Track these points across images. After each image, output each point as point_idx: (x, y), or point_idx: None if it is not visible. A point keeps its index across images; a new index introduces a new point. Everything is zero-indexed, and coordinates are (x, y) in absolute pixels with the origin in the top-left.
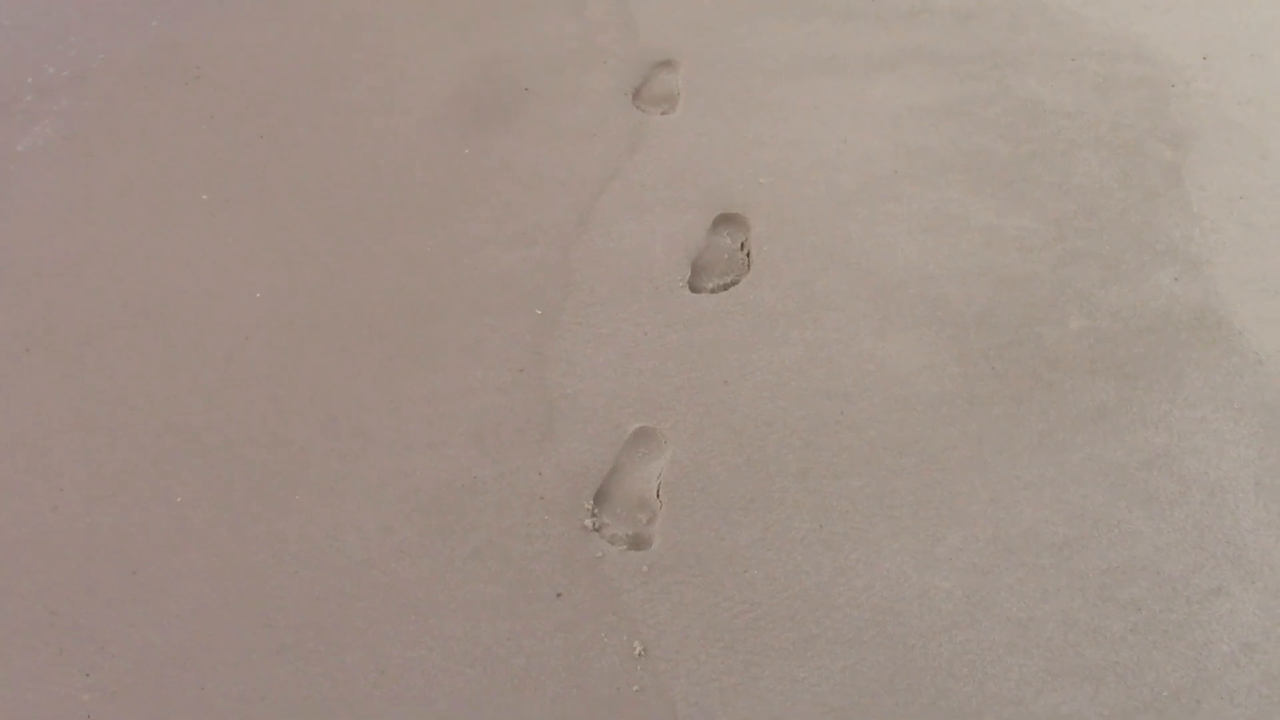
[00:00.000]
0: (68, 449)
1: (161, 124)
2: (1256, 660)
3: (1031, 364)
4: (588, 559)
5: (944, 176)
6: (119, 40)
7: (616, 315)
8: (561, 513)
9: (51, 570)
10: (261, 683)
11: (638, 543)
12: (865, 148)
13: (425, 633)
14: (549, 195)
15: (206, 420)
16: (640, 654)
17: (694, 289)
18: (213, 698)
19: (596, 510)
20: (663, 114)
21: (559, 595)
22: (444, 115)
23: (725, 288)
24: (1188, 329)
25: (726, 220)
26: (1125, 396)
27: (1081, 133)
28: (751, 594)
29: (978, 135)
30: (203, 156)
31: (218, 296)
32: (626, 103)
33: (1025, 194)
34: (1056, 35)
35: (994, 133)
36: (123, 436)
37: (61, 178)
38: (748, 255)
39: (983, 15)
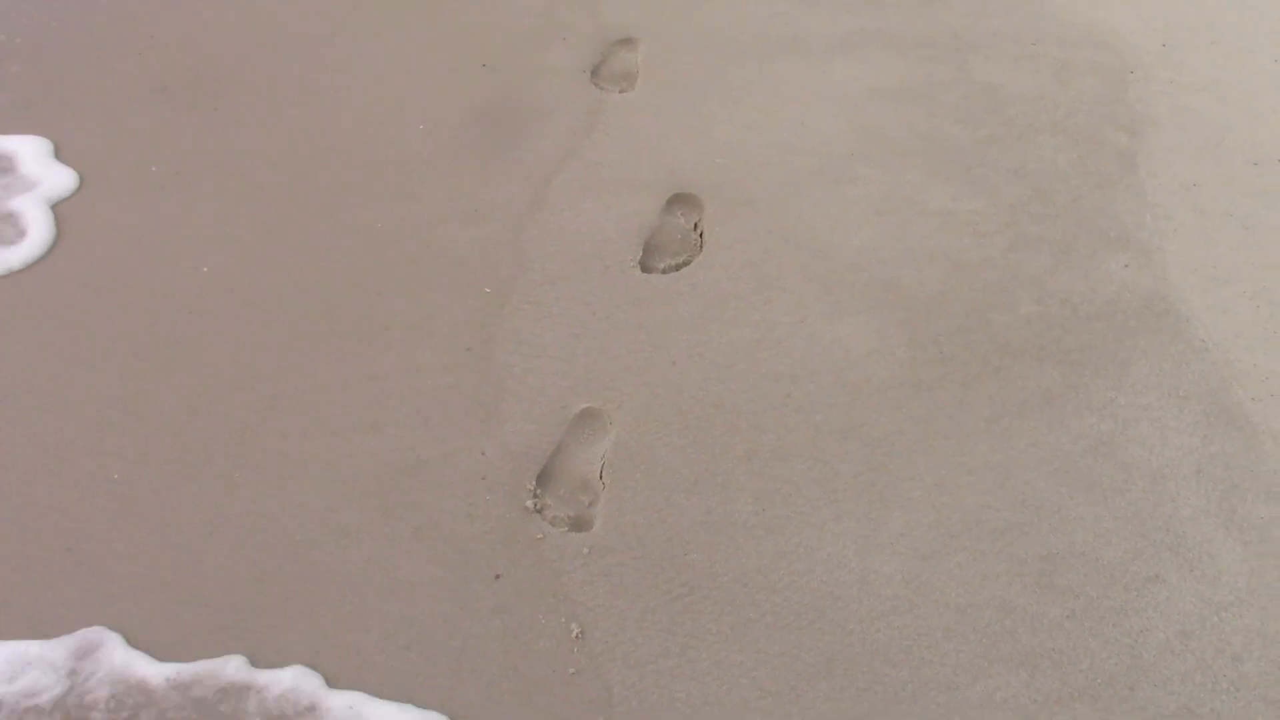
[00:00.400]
0: (4, 423)
1: (111, 94)
2: (1191, 648)
3: (980, 349)
4: (528, 540)
5: (901, 160)
6: (71, 8)
7: (567, 295)
8: (504, 494)
9: None
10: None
11: (579, 524)
12: (823, 130)
13: (363, 613)
14: (503, 173)
15: (147, 396)
16: (578, 636)
17: (645, 269)
18: None
19: (539, 491)
20: (621, 92)
21: (498, 577)
22: (399, 91)
23: (677, 268)
24: (1136, 316)
25: (680, 200)
26: (1072, 383)
27: (1039, 118)
28: (691, 577)
29: (936, 119)
30: (152, 128)
31: (163, 270)
32: (585, 81)
33: (981, 179)
34: (1017, 20)
35: (952, 117)
36: (61, 411)
37: None
38: (700, 236)
39: None
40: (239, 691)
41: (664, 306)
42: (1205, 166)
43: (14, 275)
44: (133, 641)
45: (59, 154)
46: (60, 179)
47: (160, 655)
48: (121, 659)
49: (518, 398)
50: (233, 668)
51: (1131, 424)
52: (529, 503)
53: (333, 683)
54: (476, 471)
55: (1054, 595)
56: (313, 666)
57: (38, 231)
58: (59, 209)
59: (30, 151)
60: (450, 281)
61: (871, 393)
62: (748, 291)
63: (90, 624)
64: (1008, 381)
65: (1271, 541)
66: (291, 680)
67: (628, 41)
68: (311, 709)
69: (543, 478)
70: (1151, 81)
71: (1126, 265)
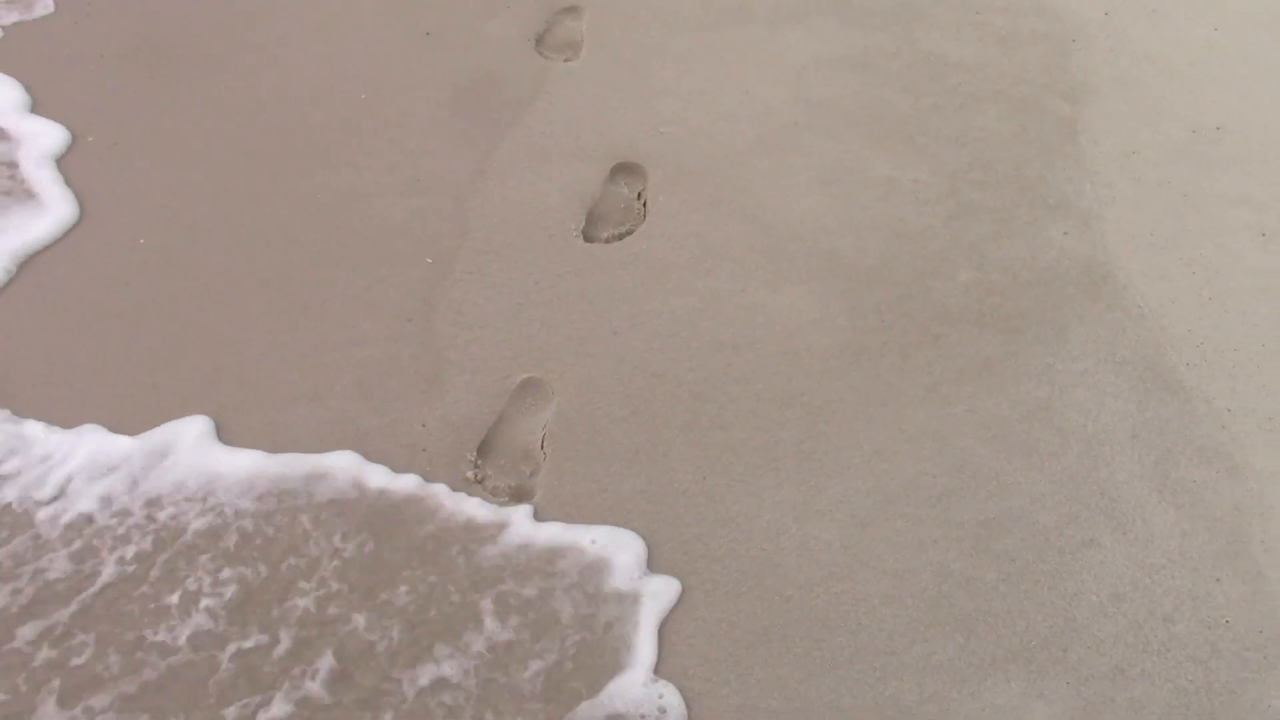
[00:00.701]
0: None
1: (48, 61)
2: (1124, 609)
3: (920, 317)
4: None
5: (844, 129)
6: None
7: (509, 265)
8: (444, 465)
9: None
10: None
11: (519, 494)
12: (767, 99)
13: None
14: (447, 142)
15: (81, 370)
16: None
17: (589, 239)
18: None
19: (479, 462)
20: (565, 61)
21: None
22: (341, 60)
23: (620, 237)
24: (1075, 283)
25: (624, 170)
26: (1010, 350)
27: (982, 87)
28: None
29: (880, 88)
30: (90, 96)
31: (100, 241)
32: (529, 49)
33: (924, 148)
34: None
35: (896, 86)
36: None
37: None
38: (644, 205)
39: None
40: None
41: (606, 276)
42: (1145, 134)
43: None
44: None
45: None
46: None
47: None
48: None
49: (459, 368)
50: None
51: (1069, 390)
52: (469, 473)
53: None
54: (416, 443)
55: (990, 560)
56: None
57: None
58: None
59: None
60: (392, 252)
61: (812, 361)
62: (690, 261)
63: None
64: (947, 349)
65: (1203, 505)
66: None
67: (572, 10)
68: None
69: (484, 448)
70: (1093, 50)
71: (1066, 232)
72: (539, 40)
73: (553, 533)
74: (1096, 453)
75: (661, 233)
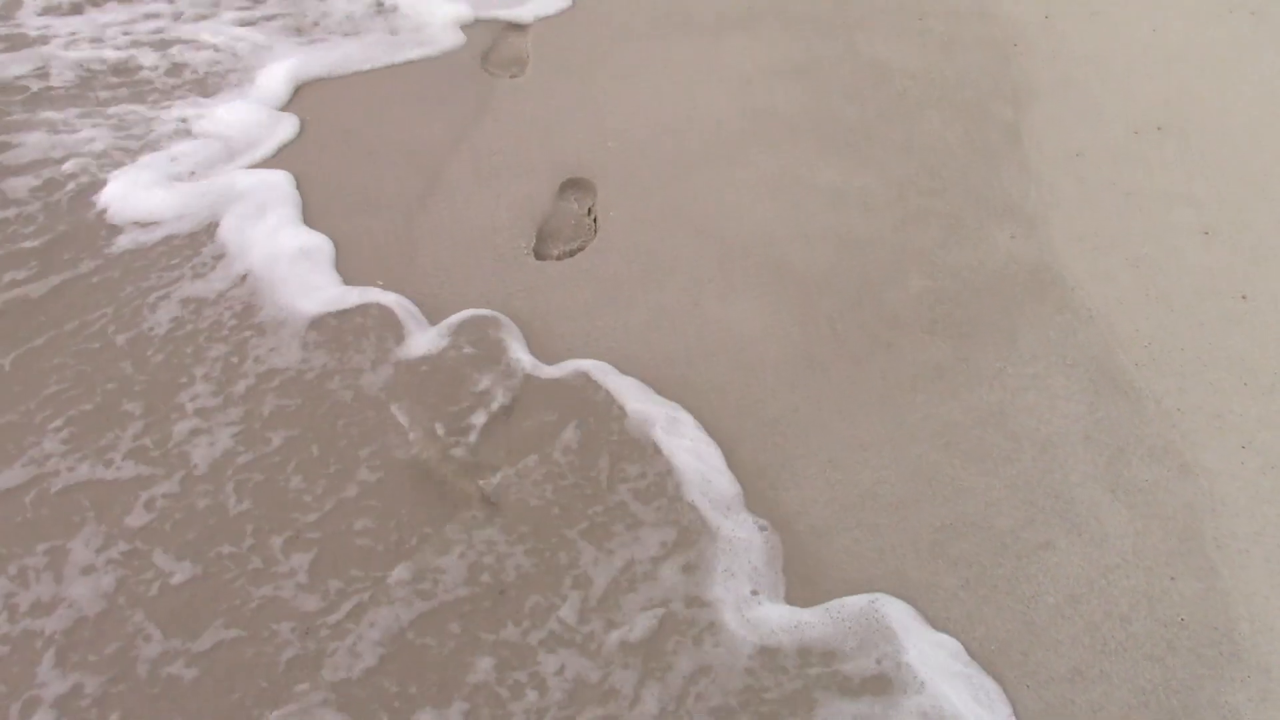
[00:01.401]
0: None
1: None
2: (1080, 610)
3: (872, 325)
4: None
5: (791, 138)
6: None
7: (460, 284)
8: None
9: None
10: None
11: None
12: (714, 109)
13: None
14: (393, 163)
15: None
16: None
17: (540, 256)
18: None
19: None
20: (511, 77)
21: None
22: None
23: (571, 254)
24: (1023, 287)
25: (574, 185)
26: (962, 355)
27: (926, 93)
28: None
29: (825, 96)
30: None
31: None
32: (475, 66)
33: (870, 155)
34: None
35: (841, 94)
36: None
37: None
38: (594, 220)
39: None
40: None
41: (559, 293)
42: (1087, 136)
43: None
44: None
45: None
46: None
47: None
48: None
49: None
50: None
51: (1020, 393)
52: None
53: None
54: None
55: (948, 565)
56: None
57: None
58: None
59: None
60: (341, 275)
61: (766, 372)
62: (641, 275)
63: None
64: (898, 356)
65: (1155, 504)
66: None
67: (517, 26)
68: None
69: None
70: (1035, 54)
71: (1013, 236)
72: (484, 57)
73: None
74: (1050, 455)
75: (612, 247)
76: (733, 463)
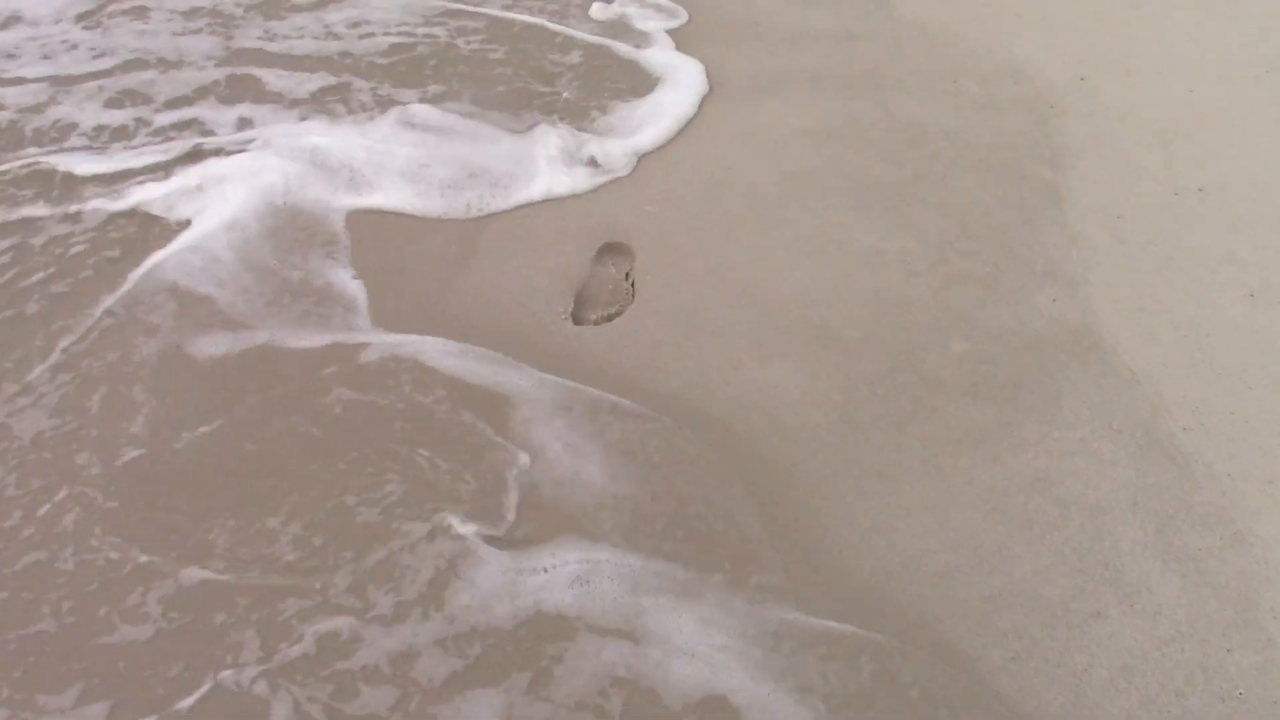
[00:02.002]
0: None
1: None
2: (1135, 683)
3: (912, 388)
4: None
5: (827, 200)
6: None
7: (497, 350)
8: None
9: None
10: None
11: None
12: (749, 172)
13: None
14: (430, 226)
15: None
16: None
17: (577, 321)
18: None
19: None
20: None
21: None
22: None
23: (609, 318)
24: (1066, 349)
25: (611, 249)
26: (1005, 419)
27: (962, 154)
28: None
29: (860, 158)
30: None
31: None
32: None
33: (907, 216)
34: (937, 57)
35: (876, 155)
36: None
37: None
38: (632, 285)
39: (865, 37)
40: None
41: (597, 358)
42: (1127, 197)
43: None
44: None
45: None
46: None
47: None
48: None
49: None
50: None
51: (1066, 459)
52: None
53: None
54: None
55: (996, 637)
56: None
57: None
58: None
59: None
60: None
61: (805, 435)
62: (680, 338)
63: None
64: (940, 420)
65: (1209, 573)
66: None
67: None
68: None
69: None
70: (1071, 115)
71: (1054, 299)
72: None
73: None
74: (1098, 522)
75: (650, 311)
76: (773, 528)
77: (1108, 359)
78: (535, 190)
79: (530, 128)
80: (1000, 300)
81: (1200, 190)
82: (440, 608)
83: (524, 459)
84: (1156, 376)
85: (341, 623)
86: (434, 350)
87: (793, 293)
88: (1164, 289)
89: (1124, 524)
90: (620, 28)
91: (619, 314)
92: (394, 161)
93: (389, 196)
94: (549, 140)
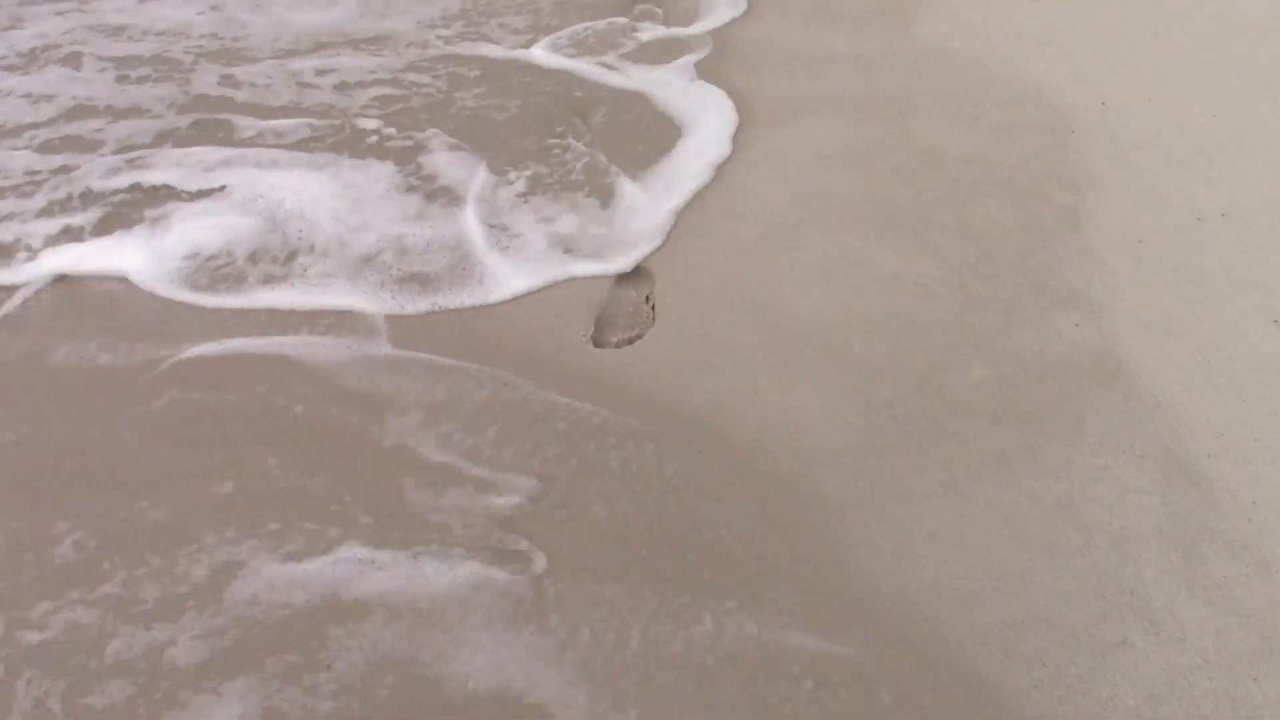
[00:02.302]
0: None
1: None
2: (1160, 713)
3: (933, 412)
4: None
5: (846, 223)
6: None
7: (518, 373)
8: None
9: None
10: None
11: None
12: (768, 196)
13: None
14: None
15: None
16: None
17: (598, 344)
18: None
19: None
20: None
21: None
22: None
23: (630, 342)
24: (1088, 374)
25: (631, 273)
26: (1027, 444)
27: (983, 178)
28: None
29: (880, 182)
30: None
31: None
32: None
33: (928, 240)
34: (958, 81)
35: (896, 179)
36: None
37: None
38: (652, 308)
39: (884, 62)
40: None
41: (618, 381)
42: (1149, 222)
43: None
44: None
45: None
46: None
47: None
48: None
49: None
50: None
51: (1089, 484)
52: None
53: None
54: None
55: (1020, 663)
56: None
57: None
58: None
59: None
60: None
61: (825, 459)
62: (700, 362)
63: None
64: (962, 444)
65: (1234, 600)
66: None
67: None
68: None
69: None
70: (1092, 139)
71: (1076, 323)
72: None
73: None
74: (1122, 549)
75: (670, 335)
76: (795, 553)
77: (1130, 384)
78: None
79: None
80: (1021, 324)
81: (1223, 215)
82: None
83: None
84: (1180, 402)
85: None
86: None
87: (812, 316)
88: (1187, 314)
89: (1148, 550)
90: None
91: (639, 337)
92: None
93: None
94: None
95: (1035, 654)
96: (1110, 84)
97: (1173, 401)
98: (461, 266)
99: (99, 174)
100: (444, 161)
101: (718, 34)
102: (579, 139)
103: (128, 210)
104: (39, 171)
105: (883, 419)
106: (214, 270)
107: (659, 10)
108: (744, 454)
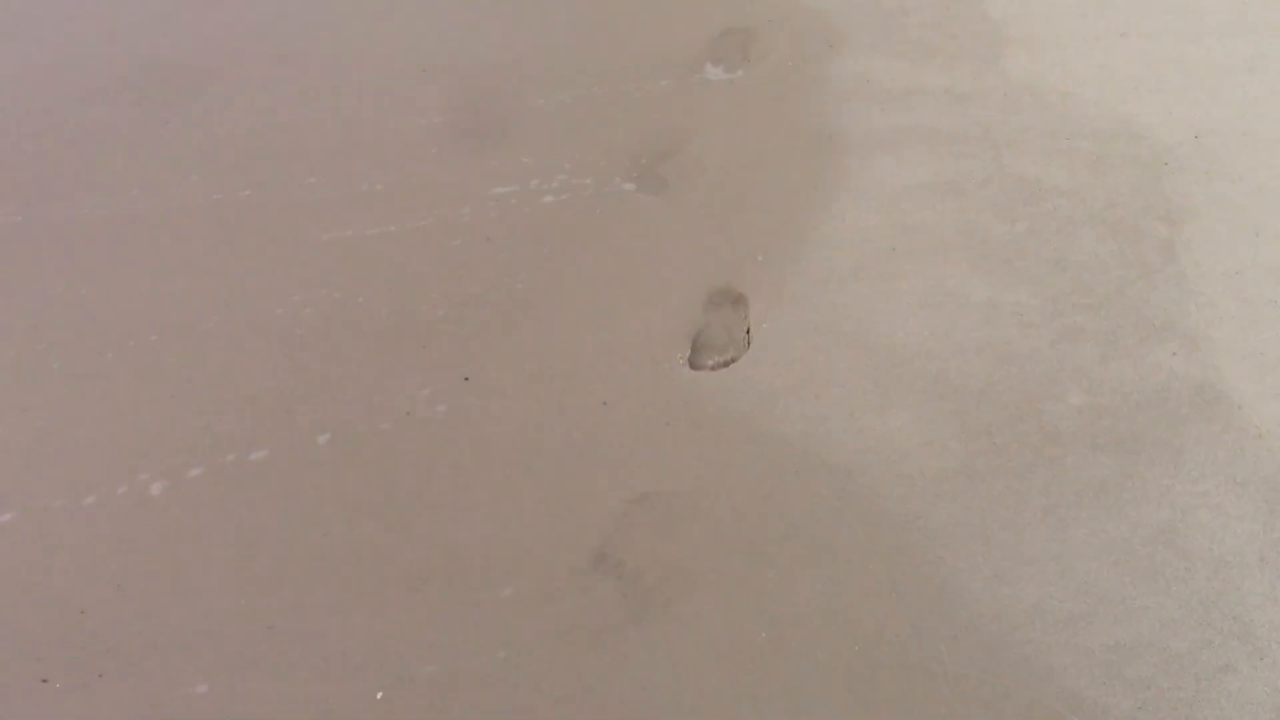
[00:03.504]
0: None
1: None
2: None
3: (1032, 440)
4: None
5: (941, 254)
6: None
7: (619, 393)
8: None
9: None
10: None
11: None
12: (862, 226)
13: None
14: (548, 276)
15: None
16: None
17: (695, 367)
18: None
19: None
20: (659, 194)
21: None
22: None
23: (725, 365)
24: (1188, 404)
25: (726, 298)
26: (1127, 471)
27: (1077, 210)
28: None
29: (974, 213)
30: None
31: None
32: (623, 185)
33: (1023, 271)
34: (1050, 115)
35: (990, 210)
36: None
37: None
38: (748, 333)
39: (977, 96)
40: None
41: (715, 403)
42: (1246, 254)
43: None
44: None
45: None
46: None
47: None
48: None
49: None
50: None
51: (1190, 511)
52: None
53: None
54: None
55: (1124, 687)
56: None
57: None
58: None
59: None
60: None
61: (925, 484)
62: (796, 386)
63: None
64: (1061, 471)
65: None
66: None
67: (663, 151)
68: None
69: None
70: (1186, 172)
71: (1174, 354)
72: (637, 176)
73: None
74: (1225, 576)
75: (766, 360)
76: (896, 577)
77: (1231, 414)
78: None
79: None
80: (1119, 354)
81: None
82: None
83: None
84: None
85: None
86: None
87: (908, 344)
88: None
89: (1251, 578)
90: None
91: (735, 361)
92: None
93: None
94: None
95: (1140, 678)
96: (1203, 119)
97: (1274, 432)
98: None
99: None
100: None
101: (804, 62)
102: None
103: None
104: None
105: (981, 445)
106: None
107: None
108: (845, 477)
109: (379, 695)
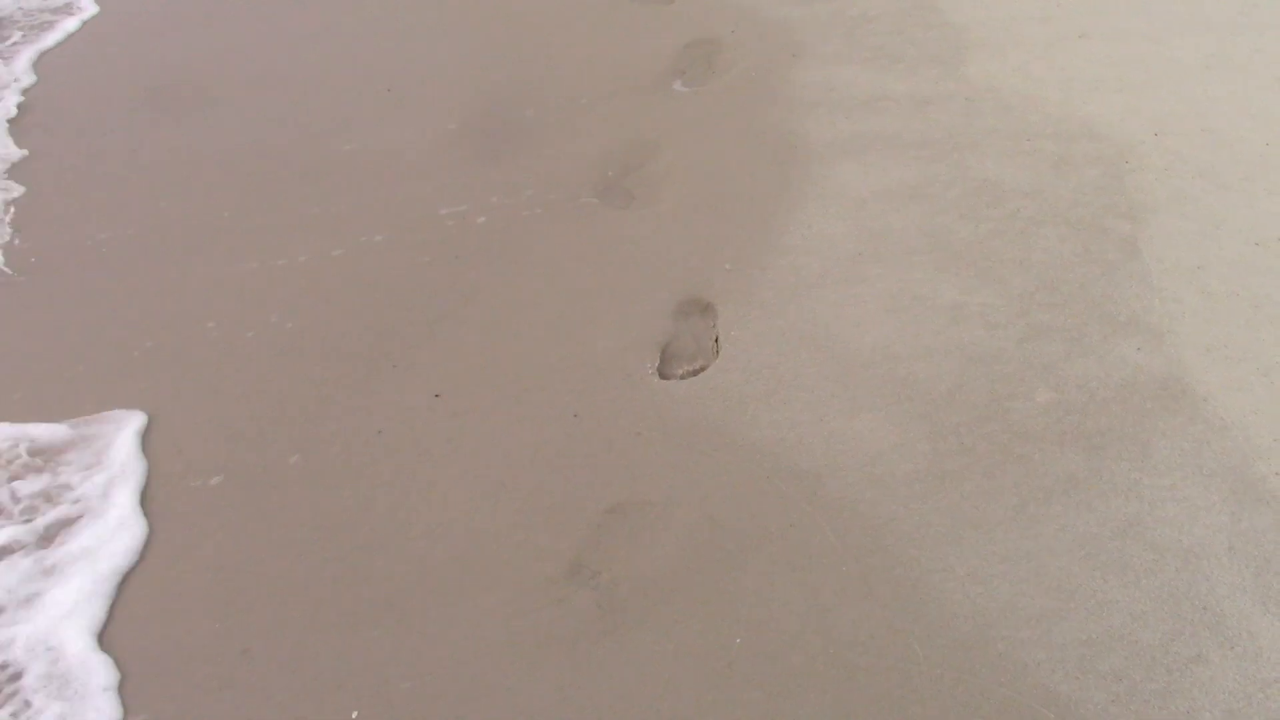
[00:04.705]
0: None
1: None
2: None
3: (1001, 438)
4: None
5: (907, 258)
6: None
7: (591, 404)
8: None
9: None
10: None
11: None
12: (829, 232)
13: None
14: (517, 286)
15: None
16: None
17: (664, 376)
18: None
19: None
20: (624, 208)
21: None
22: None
23: (695, 374)
24: (1153, 398)
25: (695, 307)
26: (1095, 467)
27: (1040, 210)
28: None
29: (939, 216)
30: None
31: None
32: (591, 197)
33: (988, 272)
34: (1012, 117)
35: (955, 213)
36: None
37: None
38: (716, 341)
39: (939, 101)
40: None
41: (686, 411)
42: (1208, 249)
43: None
44: None
45: None
46: None
47: None
48: None
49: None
50: None
51: (1158, 504)
52: None
53: None
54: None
55: (1097, 680)
56: None
57: None
58: None
59: None
60: None
61: (896, 486)
62: (766, 393)
63: None
64: (1031, 468)
65: None
66: None
67: (637, 161)
68: None
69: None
70: (1148, 170)
71: (1139, 349)
72: (600, 187)
73: None
74: (1194, 567)
75: (735, 367)
76: (870, 579)
77: (1196, 407)
78: None
79: None
80: (1084, 351)
81: None
82: None
83: None
84: (1247, 423)
85: None
86: None
87: (876, 347)
88: (1250, 338)
89: (1220, 568)
90: None
91: (704, 369)
92: None
93: None
94: None
95: (1112, 671)
96: (1163, 117)
97: (1240, 423)
98: None
99: None
100: None
101: (769, 73)
102: None
103: None
104: None
105: (950, 445)
106: None
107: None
108: (815, 480)
109: (354, 715)
